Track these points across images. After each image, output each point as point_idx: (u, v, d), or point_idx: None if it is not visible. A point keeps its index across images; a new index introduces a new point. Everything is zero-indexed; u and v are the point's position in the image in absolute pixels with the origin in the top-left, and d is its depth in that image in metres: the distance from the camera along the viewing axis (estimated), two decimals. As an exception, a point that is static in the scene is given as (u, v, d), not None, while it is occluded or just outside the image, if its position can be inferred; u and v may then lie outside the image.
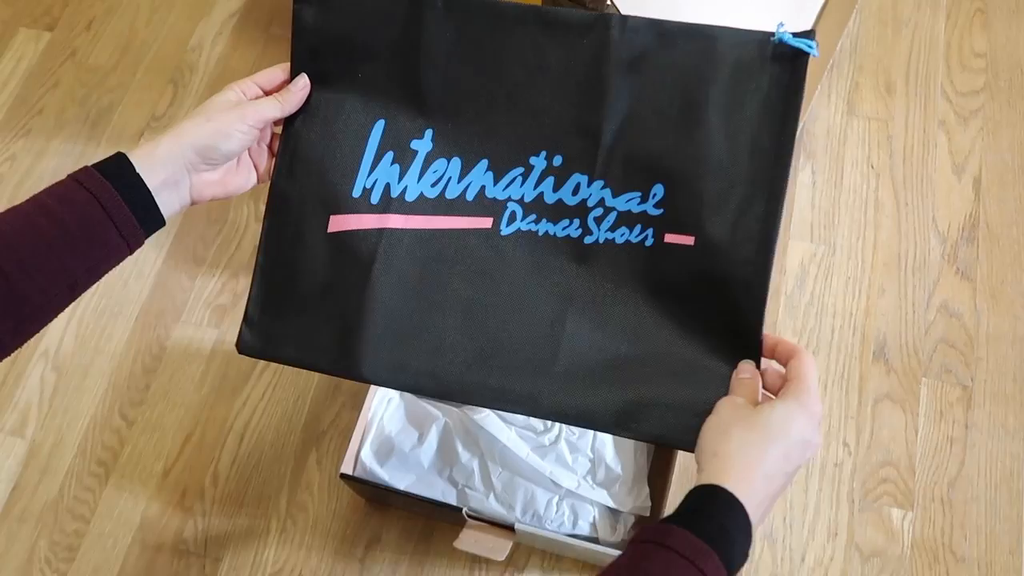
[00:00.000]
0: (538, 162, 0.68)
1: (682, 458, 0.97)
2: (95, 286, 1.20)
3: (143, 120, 1.32)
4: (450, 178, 0.69)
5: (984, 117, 1.26)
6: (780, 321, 1.14)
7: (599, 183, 0.67)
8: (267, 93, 0.68)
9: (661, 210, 0.66)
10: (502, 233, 0.69)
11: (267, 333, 0.70)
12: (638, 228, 0.66)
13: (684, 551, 0.51)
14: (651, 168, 0.66)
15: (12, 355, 0.59)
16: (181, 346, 1.16)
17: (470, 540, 0.90)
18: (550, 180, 0.68)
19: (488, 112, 0.68)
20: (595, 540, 0.94)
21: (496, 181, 0.69)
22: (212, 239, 1.22)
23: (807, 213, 1.21)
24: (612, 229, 0.67)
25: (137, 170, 0.61)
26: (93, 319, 1.17)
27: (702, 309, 0.65)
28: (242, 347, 0.71)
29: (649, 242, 0.66)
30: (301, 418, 1.11)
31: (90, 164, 0.61)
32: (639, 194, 0.66)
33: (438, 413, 1.00)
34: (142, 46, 1.39)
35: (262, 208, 1.23)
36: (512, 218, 0.69)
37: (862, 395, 1.10)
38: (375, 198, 0.69)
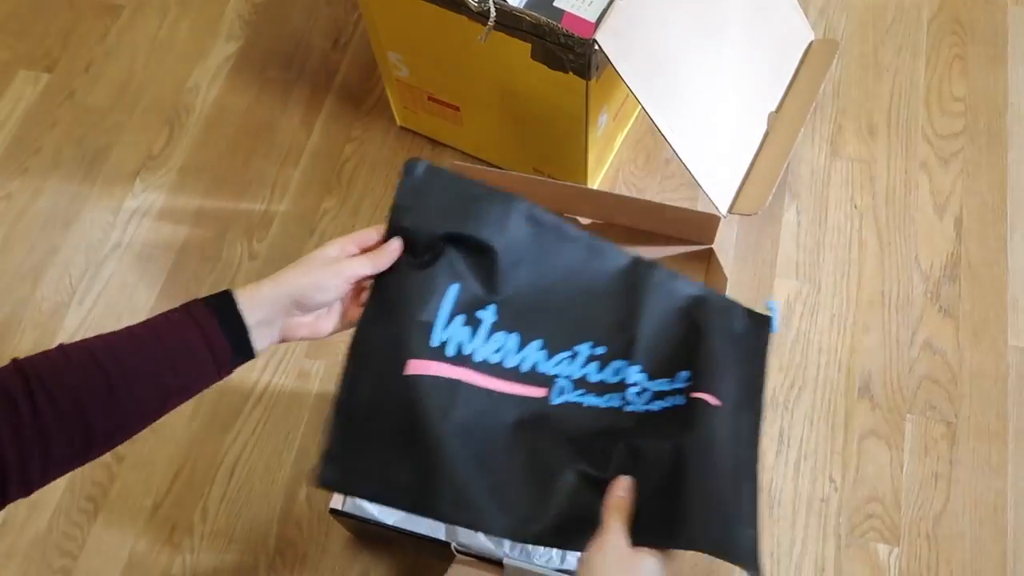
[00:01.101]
0: (583, 349, 0.80)
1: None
2: (88, 322, 1.21)
3: (139, 160, 1.34)
4: (509, 350, 0.78)
5: (964, 159, 1.29)
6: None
7: (636, 367, 0.79)
8: (363, 251, 0.76)
9: (689, 384, 0.76)
10: (552, 402, 0.78)
11: (345, 469, 0.73)
12: (670, 399, 0.77)
13: None
14: (677, 361, 0.78)
15: None
16: (173, 382, 1.16)
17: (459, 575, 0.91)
18: (595, 364, 0.79)
19: (545, 304, 0.80)
20: (583, 576, 0.94)
21: (548, 359, 0.79)
22: (206, 276, 1.24)
23: (792, 252, 1.23)
24: (649, 402, 0.78)
25: (239, 308, 0.68)
26: (85, 355, 1.18)
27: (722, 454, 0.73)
28: (321, 481, 0.73)
29: (681, 402, 0.76)
30: (291, 453, 1.11)
31: (200, 297, 0.68)
32: (669, 379, 0.78)
33: (427, 448, 1.00)
34: (139, 88, 1.41)
35: (255, 246, 1.26)
36: (561, 391, 0.79)
37: (848, 431, 1.11)
38: (449, 351, 0.76)
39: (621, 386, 0.78)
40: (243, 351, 0.69)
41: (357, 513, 0.98)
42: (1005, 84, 1.35)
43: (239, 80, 1.41)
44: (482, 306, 0.78)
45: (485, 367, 0.77)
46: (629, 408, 0.77)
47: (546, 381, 0.79)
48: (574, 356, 0.79)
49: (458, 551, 0.92)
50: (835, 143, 1.31)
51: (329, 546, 1.05)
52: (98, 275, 1.24)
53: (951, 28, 1.41)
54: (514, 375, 0.78)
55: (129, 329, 0.67)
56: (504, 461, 0.74)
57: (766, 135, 1.21)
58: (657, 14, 1.03)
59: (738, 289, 1.20)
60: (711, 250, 1.13)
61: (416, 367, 0.73)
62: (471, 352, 0.77)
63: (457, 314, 0.76)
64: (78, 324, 1.19)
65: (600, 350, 0.79)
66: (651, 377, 0.78)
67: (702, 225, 1.11)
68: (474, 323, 0.77)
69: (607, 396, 0.78)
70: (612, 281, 0.81)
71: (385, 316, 0.76)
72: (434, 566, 1.00)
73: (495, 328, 0.78)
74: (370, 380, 0.75)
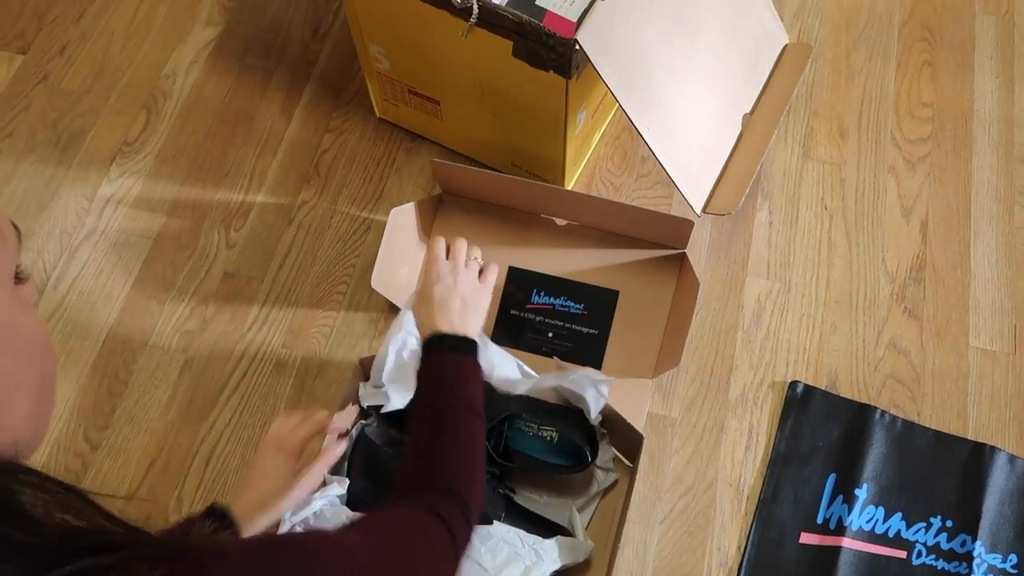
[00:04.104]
0: (936, 521, 1.05)
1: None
2: (63, 309, 1.20)
3: (115, 145, 1.33)
4: (877, 520, 1.05)
5: (931, 164, 1.32)
6: (737, 355, 1.17)
7: (979, 543, 1.03)
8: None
9: (1016, 571, 1.02)
10: (912, 563, 1.03)
11: None
12: None
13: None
14: (1009, 543, 1.04)
15: None
16: (148, 370, 1.16)
17: None
18: (944, 535, 1.04)
19: (902, 486, 1.07)
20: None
21: (907, 528, 1.05)
22: (182, 265, 1.24)
23: (764, 251, 1.25)
24: (985, 573, 1.02)
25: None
26: (59, 341, 1.17)
27: None
28: None
29: None
30: (267, 444, 1.12)
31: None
32: (1001, 556, 1.03)
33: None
34: (116, 72, 1.40)
35: (233, 235, 1.26)
36: (919, 555, 1.04)
37: (814, 428, 1.14)
38: (832, 525, 1.05)
39: (967, 557, 1.02)
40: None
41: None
42: (971, 91, 1.38)
43: (218, 67, 1.41)
44: (858, 486, 1.06)
45: (859, 534, 1.03)
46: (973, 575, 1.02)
47: (906, 546, 1.04)
48: (928, 527, 1.04)
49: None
50: (807, 145, 1.34)
51: (304, 535, 1.06)
52: (73, 261, 1.24)
53: (921, 34, 1.44)
54: (882, 540, 1.04)
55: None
56: None
57: (740, 136, 1.23)
58: (637, 16, 1.04)
59: (710, 288, 1.22)
60: (684, 255, 1.15)
61: (807, 538, 1.04)
62: (848, 523, 1.04)
63: (837, 495, 1.06)
64: (51, 311, 1.19)
65: (949, 523, 1.05)
66: (987, 551, 1.03)
67: (676, 229, 1.13)
68: (851, 500, 1.05)
69: (954, 563, 1.03)
70: (955, 475, 1.07)
71: (783, 498, 1.06)
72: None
73: (866, 503, 1.05)
74: (772, 542, 1.04)
